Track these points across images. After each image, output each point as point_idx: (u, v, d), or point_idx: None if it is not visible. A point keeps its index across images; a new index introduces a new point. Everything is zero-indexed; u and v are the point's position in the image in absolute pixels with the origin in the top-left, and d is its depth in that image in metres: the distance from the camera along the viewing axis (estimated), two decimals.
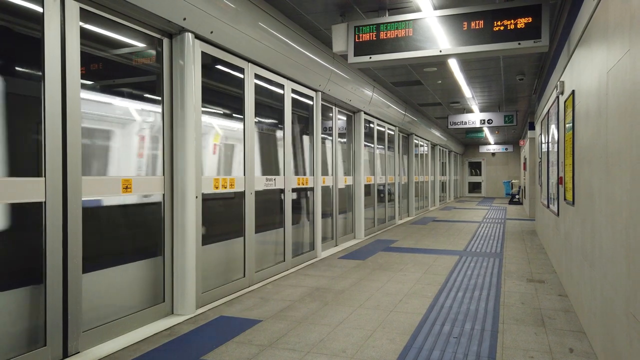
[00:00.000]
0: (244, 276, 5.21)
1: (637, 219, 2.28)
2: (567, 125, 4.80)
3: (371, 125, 10.26)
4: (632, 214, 2.38)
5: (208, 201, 4.67)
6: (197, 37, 4.33)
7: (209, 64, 4.73)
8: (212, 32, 4.39)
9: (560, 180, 5.44)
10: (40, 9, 3.06)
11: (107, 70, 3.86)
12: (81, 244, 3.31)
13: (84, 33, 3.40)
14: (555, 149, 5.86)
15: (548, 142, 6.99)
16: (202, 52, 4.46)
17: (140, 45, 4.07)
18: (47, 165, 3.09)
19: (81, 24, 3.34)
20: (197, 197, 4.32)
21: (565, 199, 4.98)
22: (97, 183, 3.51)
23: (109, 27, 3.71)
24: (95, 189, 3.48)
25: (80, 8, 3.32)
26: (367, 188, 9.91)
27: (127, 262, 3.89)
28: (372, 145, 10.35)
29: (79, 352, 3.30)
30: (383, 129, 11.16)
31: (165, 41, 4.19)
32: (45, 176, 3.08)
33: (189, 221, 4.23)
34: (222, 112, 5.28)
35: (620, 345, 2.62)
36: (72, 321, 3.25)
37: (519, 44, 4.45)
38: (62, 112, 3.18)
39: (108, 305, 3.68)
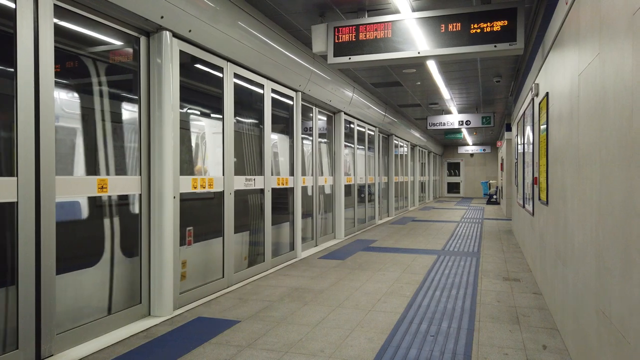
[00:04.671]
0: (223, 277, 5.17)
1: (606, 218, 2.35)
2: (541, 127, 4.90)
3: (351, 125, 10.30)
4: (601, 214, 2.45)
5: (187, 201, 4.63)
6: (175, 35, 4.29)
7: (187, 62, 4.69)
8: (190, 31, 4.35)
9: (535, 181, 5.56)
10: (12, 5, 2.99)
11: (82, 69, 3.79)
12: (55, 245, 3.24)
13: (59, 30, 3.34)
14: (531, 150, 5.98)
15: (524, 143, 7.13)
16: (180, 51, 4.42)
17: (117, 43, 4.02)
18: (19, 165, 3.02)
19: (56, 20, 3.28)
20: (174, 197, 4.28)
21: (539, 199, 5.09)
22: (72, 183, 3.45)
23: (84, 24, 3.64)
24: (69, 189, 3.41)
25: (55, 5, 3.26)
26: (347, 188, 9.95)
27: (103, 263, 3.84)
28: (353, 146, 10.40)
29: (52, 355, 3.24)
30: (363, 130, 11.22)
31: (143, 39, 4.13)
32: (17, 176, 3.01)
33: (166, 221, 4.18)
34: (199, 112, 5.24)
35: (591, 340, 2.69)
36: (45, 324, 3.18)
37: (495, 46, 4.54)
38: (35, 111, 3.11)
39: (82, 307, 3.61)
